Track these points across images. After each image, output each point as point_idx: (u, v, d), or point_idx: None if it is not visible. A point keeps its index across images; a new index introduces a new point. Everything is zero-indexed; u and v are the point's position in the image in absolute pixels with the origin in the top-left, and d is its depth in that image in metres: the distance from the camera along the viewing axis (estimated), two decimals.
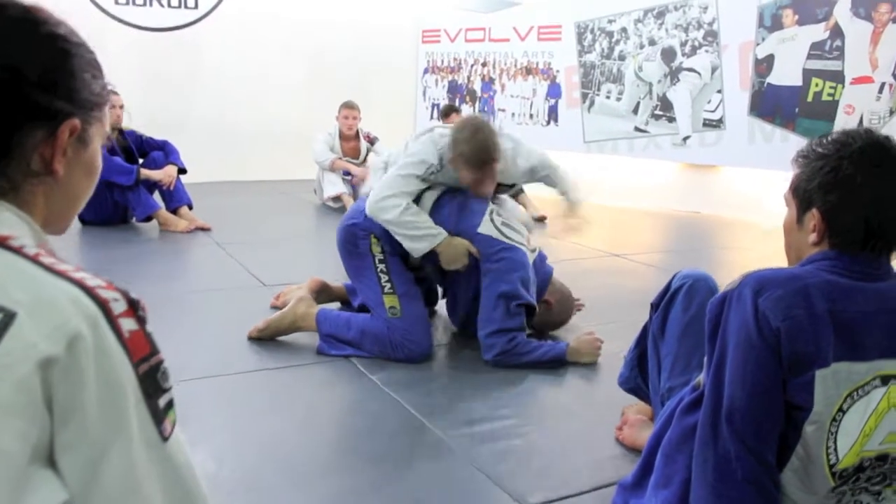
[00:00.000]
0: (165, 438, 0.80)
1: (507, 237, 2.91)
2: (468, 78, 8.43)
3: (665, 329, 2.01)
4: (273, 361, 2.85)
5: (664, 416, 1.73)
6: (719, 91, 6.69)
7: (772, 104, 6.40)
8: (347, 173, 6.47)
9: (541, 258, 3.10)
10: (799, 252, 1.53)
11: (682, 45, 6.87)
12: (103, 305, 0.76)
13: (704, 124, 6.82)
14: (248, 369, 2.78)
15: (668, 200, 7.10)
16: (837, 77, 6.02)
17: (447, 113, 6.93)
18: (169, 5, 7.66)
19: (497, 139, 2.94)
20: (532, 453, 2.21)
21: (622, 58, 7.24)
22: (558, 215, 3.42)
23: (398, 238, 2.89)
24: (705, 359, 1.52)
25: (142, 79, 7.38)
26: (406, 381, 2.68)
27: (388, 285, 2.91)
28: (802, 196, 1.49)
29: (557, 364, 2.87)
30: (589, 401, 2.66)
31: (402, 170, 2.95)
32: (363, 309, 3.09)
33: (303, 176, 7.37)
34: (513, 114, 8.07)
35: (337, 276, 3.51)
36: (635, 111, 7.20)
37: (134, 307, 0.79)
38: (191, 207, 5.46)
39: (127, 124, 5.44)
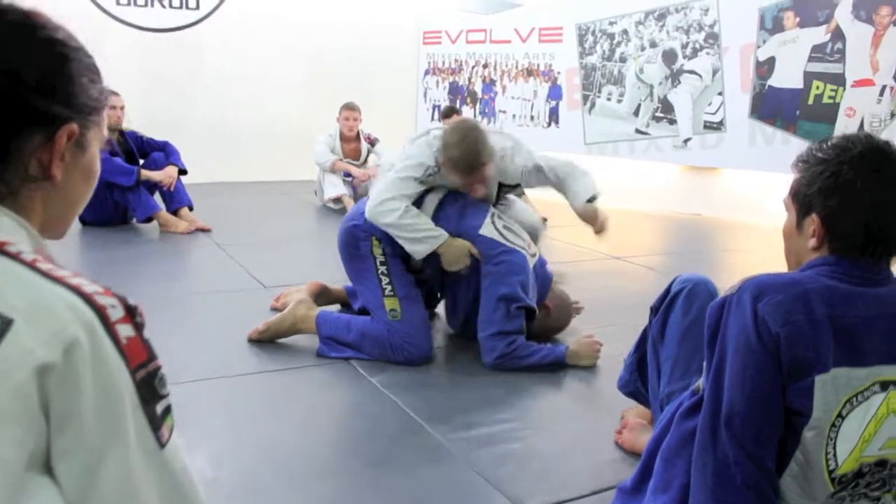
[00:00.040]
0: (163, 444, 0.80)
1: (508, 240, 2.91)
2: (469, 79, 8.43)
3: (665, 333, 2.01)
4: (273, 364, 2.85)
5: (663, 420, 1.73)
6: (720, 93, 6.69)
7: (773, 106, 6.39)
8: (348, 174, 6.47)
9: (541, 263, 3.10)
10: (799, 257, 1.53)
11: (683, 47, 6.87)
12: (100, 312, 0.76)
13: (705, 126, 6.82)
14: (247, 371, 2.78)
15: (669, 202, 7.09)
16: (838, 80, 6.02)
17: (448, 114, 6.93)
18: (170, 6, 7.67)
19: (487, 142, 2.92)
20: (531, 457, 2.21)
21: (623, 60, 7.24)
22: (580, 224, 3.31)
23: (399, 241, 2.89)
24: (704, 363, 1.52)
25: (143, 79, 7.39)
26: (406, 384, 2.68)
27: (389, 288, 2.90)
28: (802, 201, 1.49)
29: (557, 367, 2.87)
30: (588, 404, 2.65)
31: (399, 173, 2.95)
32: (363, 312, 3.09)
33: (303, 177, 7.37)
34: (514, 115, 8.07)
35: (337, 278, 3.51)
36: (636, 113, 7.20)
37: (131, 313, 0.79)
38: (191, 208, 5.46)
39: (127, 125, 5.45)
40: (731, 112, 6.64)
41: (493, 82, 8.23)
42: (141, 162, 5.43)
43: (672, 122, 6.99)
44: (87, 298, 0.76)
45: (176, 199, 5.40)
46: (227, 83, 7.86)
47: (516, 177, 3.12)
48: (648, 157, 7.19)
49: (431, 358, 2.91)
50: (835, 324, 1.38)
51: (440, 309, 3.40)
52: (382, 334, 2.85)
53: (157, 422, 0.80)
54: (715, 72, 6.70)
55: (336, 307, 3.47)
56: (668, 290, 2.05)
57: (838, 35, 5.98)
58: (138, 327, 0.80)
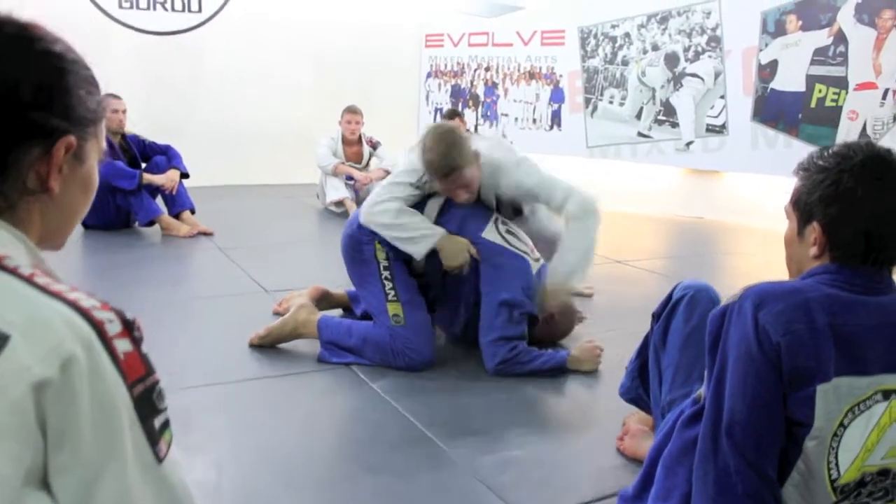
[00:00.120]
0: (161, 459, 0.80)
1: (511, 245, 2.91)
2: (471, 82, 8.43)
3: (666, 340, 2.01)
4: (274, 369, 2.85)
5: (665, 428, 1.73)
6: (722, 96, 6.68)
7: (775, 110, 6.38)
8: (350, 178, 6.47)
9: (544, 269, 3.09)
10: (800, 265, 1.53)
11: (686, 50, 6.86)
12: (98, 327, 0.76)
13: (707, 129, 6.81)
14: (248, 377, 2.78)
15: (671, 206, 7.09)
16: (841, 83, 6.01)
17: (450, 117, 6.92)
18: (172, 9, 7.68)
19: (464, 145, 2.84)
20: (533, 463, 2.21)
21: (625, 63, 7.23)
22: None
23: (396, 243, 2.89)
24: (706, 372, 1.51)
25: (145, 83, 7.40)
26: (407, 390, 2.68)
27: (392, 293, 2.90)
28: (803, 209, 1.48)
29: (558, 372, 2.86)
30: (590, 410, 2.65)
31: (394, 178, 2.99)
32: (366, 316, 3.09)
33: (305, 180, 7.38)
34: (516, 118, 8.06)
35: (339, 282, 3.51)
36: (638, 116, 7.19)
37: (129, 328, 0.79)
38: (193, 212, 5.46)
39: (130, 129, 5.45)
40: (733, 115, 6.63)
41: (495, 85, 8.23)
42: (143, 165, 5.43)
43: (674, 125, 6.99)
44: (85, 313, 0.76)
45: (178, 203, 5.41)
46: (229, 86, 7.87)
47: (508, 188, 3.01)
48: (650, 161, 7.19)
49: (433, 364, 2.90)
50: (836, 332, 1.37)
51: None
52: (384, 339, 2.84)
53: (155, 436, 0.80)
54: (717, 75, 6.70)
55: (338, 312, 3.47)
56: (669, 297, 2.05)
57: (841, 38, 5.97)
58: (136, 342, 0.79)
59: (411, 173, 2.93)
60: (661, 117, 7.06)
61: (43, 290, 0.76)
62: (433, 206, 2.96)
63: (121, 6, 7.45)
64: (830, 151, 1.47)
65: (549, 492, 2.07)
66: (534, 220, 3.36)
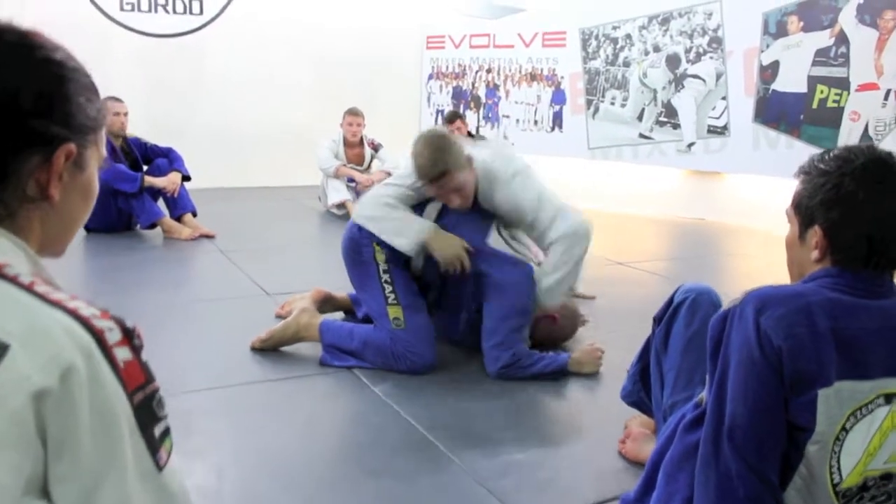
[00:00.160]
0: (161, 467, 0.80)
1: (516, 251, 2.90)
2: (473, 84, 8.43)
3: (668, 343, 2.01)
4: (275, 372, 2.85)
5: (667, 432, 1.73)
6: (724, 98, 6.68)
7: (777, 111, 6.38)
8: (351, 180, 6.47)
9: None
10: (801, 268, 1.52)
11: (687, 51, 6.86)
12: (98, 336, 0.76)
13: (709, 131, 6.80)
14: (250, 380, 2.78)
15: (673, 207, 7.08)
16: (843, 84, 6.00)
17: (451, 119, 6.93)
18: (174, 11, 7.69)
19: (453, 150, 2.81)
20: (534, 467, 2.20)
21: (627, 64, 7.23)
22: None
23: (383, 236, 2.87)
24: (707, 376, 1.51)
25: (146, 85, 7.41)
26: (408, 394, 2.68)
27: (393, 296, 2.90)
28: (804, 212, 1.48)
29: (560, 375, 2.86)
30: (592, 414, 2.65)
31: (390, 180, 3.03)
32: (368, 319, 3.08)
33: (307, 182, 7.38)
34: (517, 120, 8.06)
35: (341, 285, 3.51)
36: (640, 118, 7.18)
37: (129, 336, 0.79)
38: (195, 215, 5.46)
39: (132, 132, 5.46)
40: (734, 116, 6.63)
41: (496, 87, 8.23)
42: (144, 168, 5.44)
43: (676, 126, 6.98)
44: (85, 322, 0.76)
45: (179, 206, 5.41)
46: (231, 88, 7.88)
47: (503, 204, 2.94)
48: (652, 162, 7.18)
49: (434, 367, 2.90)
50: (838, 336, 1.37)
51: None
52: (385, 343, 2.84)
53: (155, 444, 0.80)
54: (718, 76, 6.69)
55: (340, 315, 3.47)
56: (671, 300, 2.05)
57: (842, 39, 5.96)
58: (136, 350, 0.79)
59: (406, 177, 2.93)
60: (662, 119, 7.06)
61: (43, 298, 0.76)
62: (432, 210, 2.95)
63: (122, 8, 7.46)
64: (831, 155, 1.47)
65: (551, 495, 2.06)
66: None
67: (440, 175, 2.79)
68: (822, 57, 6.09)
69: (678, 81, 6.93)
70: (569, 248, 2.85)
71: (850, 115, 5.98)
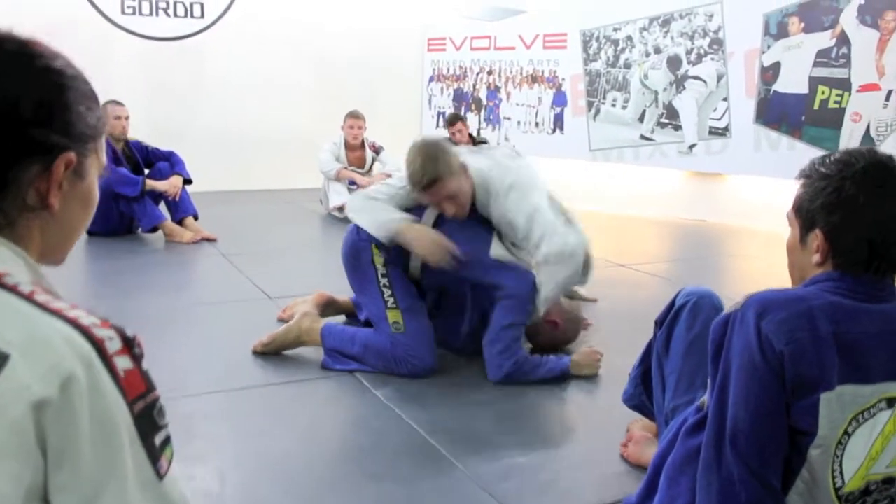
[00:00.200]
0: (161, 476, 0.80)
1: (518, 258, 2.90)
2: (474, 86, 8.44)
3: (669, 347, 2.00)
4: (277, 376, 2.85)
5: (668, 435, 1.73)
6: (725, 99, 6.68)
7: (778, 112, 6.38)
8: (353, 183, 6.47)
9: None
10: (802, 272, 1.52)
11: (688, 53, 6.86)
12: (98, 345, 0.75)
13: (710, 132, 6.81)
14: (251, 384, 2.78)
15: (674, 208, 7.08)
16: (844, 85, 6.00)
17: (452, 121, 6.94)
18: (175, 15, 7.70)
19: (444, 158, 2.77)
20: (536, 470, 2.20)
21: (628, 66, 7.23)
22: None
23: (364, 226, 2.89)
24: (708, 380, 1.51)
25: (147, 88, 7.42)
26: (410, 397, 2.67)
27: (392, 300, 2.90)
28: (805, 216, 1.48)
29: (561, 378, 2.86)
30: (593, 417, 2.64)
31: (387, 181, 3.07)
32: (370, 323, 3.08)
33: (308, 185, 7.38)
34: (518, 122, 8.07)
35: (342, 288, 3.50)
36: (641, 119, 7.19)
37: (129, 345, 0.79)
38: (196, 218, 5.47)
39: (133, 135, 5.46)
40: (736, 118, 6.63)
41: (497, 89, 8.23)
42: (146, 172, 5.44)
43: (677, 127, 6.98)
44: (85, 331, 0.76)
45: (181, 209, 5.42)
46: (232, 91, 7.88)
47: (497, 217, 2.92)
48: (653, 163, 7.18)
49: (435, 370, 2.89)
50: (839, 341, 1.37)
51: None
52: (386, 347, 2.84)
53: (155, 453, 0.79)
54: (720, 77, 6.70)
55: (342, 318, 3.47)
56: (672, 304, 2.04)
57: (843, 40, 5.96)
58: (136, 359, 0.79)
59: (401, 180, 2.94)
60: (663, 120, 7.06)
61: (43, 307, 0.76)
62: (429, 217, 2.93)
63: (123, 12, 7.47)
64: (832, 158, 1.47)
65: (553, 499, 2.06)
66: None
67: (431, 182, 2.77)
68: (823, 58, 6.09)
69: (679, 83, 6.94)
70: (552, 272, 2.82)
71: (852, 115, 5.99)
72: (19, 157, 0.82)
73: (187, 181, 5.48)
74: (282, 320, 3.41)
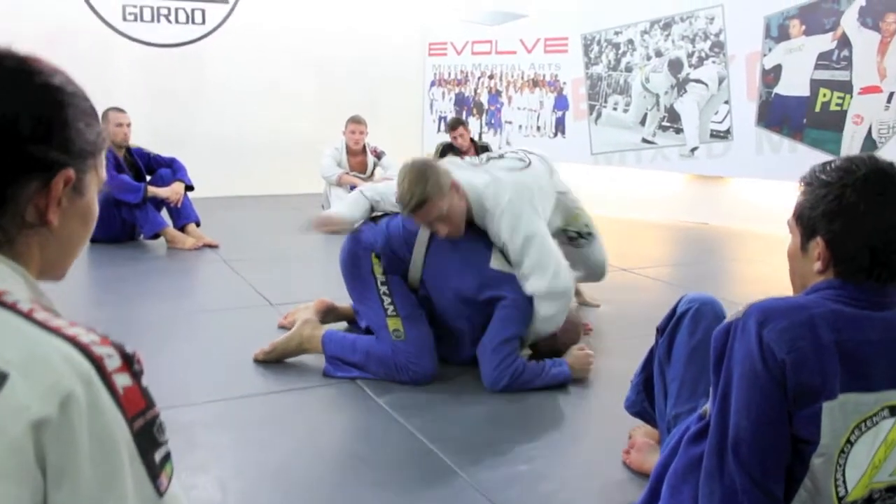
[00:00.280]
0: (161, 493, 0.79)
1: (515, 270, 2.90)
2: (475, 90, 8.44)
3: (671, 354, 2.00)
4: (279, 384, 2.85)
5: (671, 443, 1.72)
6: (727, 102, 6.68)
7: (779, 114, 6.38)
8: (354, 188, 6.46)
9: None
10: (804, 279, 1.52)
11: (689, 56, 6.86)
12: (97, 362, 0.75)
13: (712, 135, 6.80)
14: (253, 392, 2.78)
15: (676, 212, 7.08)
16: (845, 87, 6.00)
17: (454, 126, 6.94)
18: (176, 21, 7.71)
19: (431, 179, 2.72)
20: (539, 478, 2.20)
21: (629, 69, 7.23)
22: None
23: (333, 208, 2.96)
24: (710, 388, 1.51)
25: (148, 94, 7.44)
26: (412, 405, 2.67)
27: (392, 308, 2.89)
28: (806, 223, 1.47)
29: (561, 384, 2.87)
30: (595, 424, 2.64)
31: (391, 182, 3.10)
32: (371, 330, 3.08)
33: (310, 190, 7.38)
34: (520, 126, 8.07)
35: (344, 295, 3.50)
36: (642, 122, 7.19)
37: (129, 362, 0.79)
38: (198, 224, 5.47)
39: (134, 142, 5.47)
40: (737, 120, 6.63)
41: (498, 93, 8.24)
42: (148, 178, 5.45)
43: (678, 131, 6.98)
44: (84, 349, 0.76)
45: (183, 215, 5.42)
46: (233, 97, 7.89)
47: (492, 237, 2.91)
48: (655, 167, 7.18)
49: (436, 377, 2.88)
50: (841, 349, 1.37)
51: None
52: (387, 354, 2.84)
53: (155, 470, 0.79)
54: (721, 80, 6.69)
55: (343, 325, 3.46)
56: (674, 310, 2.04)
57: (845, 42, 5.96)
58: (136, 375, 0.79)
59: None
60: (665, 123, 7.06)
61: (42, 326, 0.76)
62: (423, 234, 2.92)
63: (125, 18, 7.48)
64: (833, 165, 1.47)
65: None
66: (587, 248, 3.49)
67: (419, 204, 2.72)
68: (824, 60, 6.09)
69: (680, 86, 6.93)
70: (540, 306, 2.84)
71: (853, 118, 5.98)
72: (18, 174, 0.82)
73: (189, 188, 5.49)
74: (283, 327, 3.41)
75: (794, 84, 6.27)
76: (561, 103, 7.74)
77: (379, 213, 3.12)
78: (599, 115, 7.46)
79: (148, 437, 0.79)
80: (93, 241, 5.12)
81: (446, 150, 6.94)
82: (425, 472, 2.22)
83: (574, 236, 3.52)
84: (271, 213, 7.03)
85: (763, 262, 5.27)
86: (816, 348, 1.35)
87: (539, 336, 2.94)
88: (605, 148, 7.44)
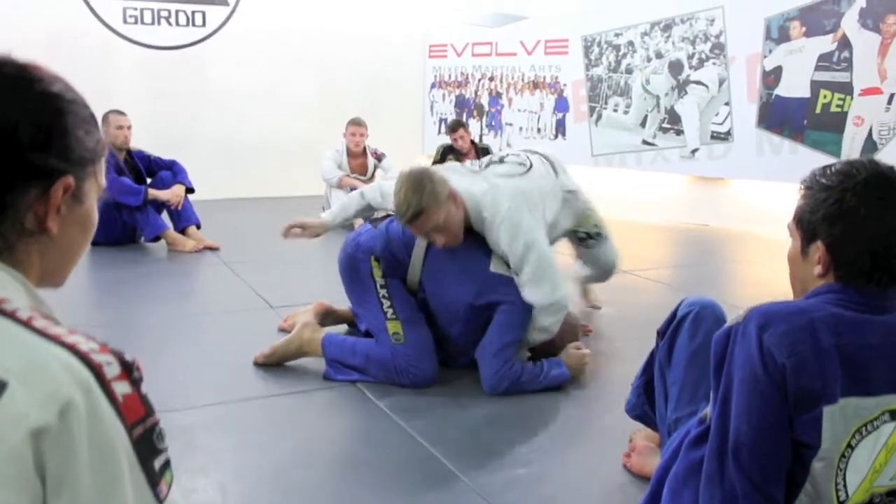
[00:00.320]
0: (161, 501, 0.79)
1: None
2: (475, 92, 8.44)
3: (671, 357, 2.00)
4: (279, 387, 2.85)
5: (671, 447, 1.72)
6: (727, 103, 6.68)
7: (780, 116, 6.38)
8: (355, 190, 6.46)
9: None
10: (804, 284, 1.52)
11: (690, 57, 6.86)
12: (96, 370, 0.75)
13: (712, 137, 6.80)
14: (253, 395, 2.78)
15: (677, 213, 7.07)
16: (846, 88, 6.00)
17: (454, 128, 6.94)
18: (177, 24, 7.71)
19: (427, 188, 2.69)
20: (539, 481, 2.20)
21: (629, 71, 7.23)
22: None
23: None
24: (711, 392, 1.51)
25: (149, 97, 7.44)
26: (413, 408, 2.67)
27: (391, 311, 2.89)
28: (806, 228, 1.48)
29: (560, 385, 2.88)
30: (596, 426, 2.64)
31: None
32: (370, 333, 3.08)
33: (310, 192, 7.38)
34: (520, 128, 8.07)
35: (344, 297, 3.50)
36: (643, 124, 7.19)
37: (128, 370, 0.79)
38: (199, 227, 5.47)
39: (134, 144, 5.47)
40: (738, 122, 6.62)
41: (499, 95, 8.24)
42: (148, 181, 5.45)
43: (679, 132, 6.98)
44: (83, 357, 0.76)
45: (184, 218, 5.42)
46: (234, 99, 7.89)
47: (491, 244, 2.90)
48: (656, 168, 7.18)
49: (436, 379, 2.88)
50: (842, 353, 1.37)
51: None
52: (387, 357, 2.84)
53: (155, 478, 0.79)
54: (721, 82, 6.69)
55: (343, 327, 3.46)
56: (674, 314, 2.04)
57: (845, 44, 5.96)
58: (135, 383, 0.79)
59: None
60: (665, 125, 7.06)
61: (41, 333, 0.76)
62: (421, 241, 2.92)
63: (125, 21, 7.49)
64: (833, 169, 1.47)
65: None
66: (597, 248, 3.53)
67: (416, 215, 2.70)
68: (824, 62, 6.08)
69: (681, 88, 6.93)
70: (537, 319, 2.85)
71: (854, 119, 5.98)
72: (17, 181, 0.82)
73: (189, 190, 5.48)
74: (283, 330, 3.41)
75: (794, 85, 6.27)
76: (561, 105, 7.74)
77: (379, 216, 3.12)
78: (600, 116, 7.46)
79: (147, 444, 0.79)
80: (93, 243, 5.13)
81: (447, 151, 6.94)
82: (426, 475, 2.22)
83: (584, 237, 3.51)
84: (272, 215, 7.01)
85: (763, 264, 5.26)
86: (817, 352, 1.35)
87: (533, 343, 2.94)
88: (606, 150, 7.44)
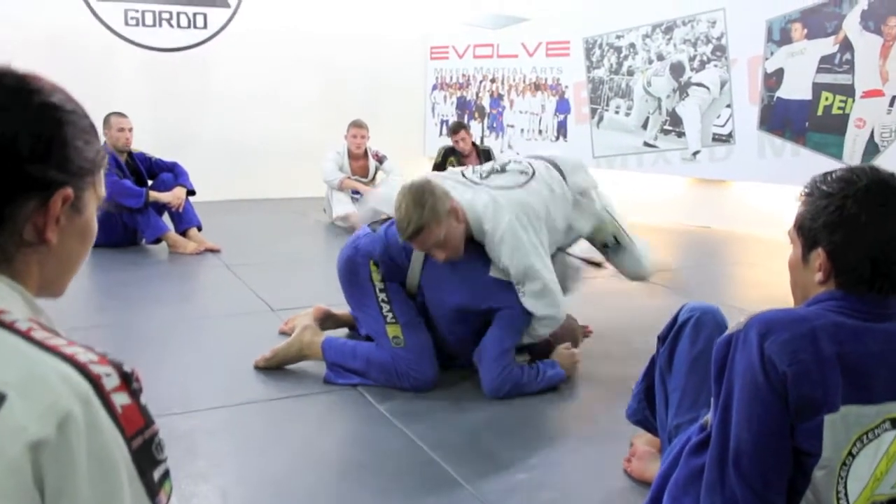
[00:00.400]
0: None
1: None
2: (477, 94, 8.44)
3: (672, 363, 2.00)
4: (279, 391, 2.85)
5: (672, 453, 1.72)
6: (728, 105, 6.67)
7: (781, 118, 6.37)
8: (356, 192, 6.47)
9: None
10: (805, 291, 1.51)
11: (691, 59, 6.86)
12: (95, 382, 0.75)
13: (714, 139, 6.80)
14: (254, 399, 2.77)
15: (678, 215, 7.07)
16: (847, 90, 5.99)
17: (456, 130, 6.94)
18: (178, 26, 7.71)
19: (428, 203, 2.66)
20: (539, 487, 2.19)
21: (631, 73, 7.23)
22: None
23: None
24: (712, 399, 1.50)
25: (150, 98, 7.44)
26: (413, 412, 2.67)
27: (391, 315, 2.89)
28: (807, 235, 1.47)
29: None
30: (596, 431, 2.63)
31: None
32: (371, 337, 3.08)
33: (312, 194, 7.38)
34: (522, 130, 8.07)
35: (344, 301, 3.50)
36: (644, 126, 7.18)
37: (127, 381, 0.78)
38: (200, 229, 5.47)
39: (136, 146, 5.47)
40: (739, 124, 6.62)
41: (500, 97, 8.24)
42: (149, 183, 5.45)
43: (680, 134, 6.98)
44: (82, 368, 0.75)
45: (185, 220, 5.42)
46: (235, 101, 7.89)
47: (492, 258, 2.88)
48: (657, 171, 7.18)
49: (436, 383, 2.88)
50: (843, 361, 1.36)
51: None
52: (387, 361, 2.83)
53: (154, 488, 0.79)
54: (723, 84, 6.69)
55: (344, 331, 3.46)
56: (675, 319, 2.04)
57: (847, 46, 5.95)
58: (134, 394, 0.79)
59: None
60: (667, 127, 7.05)
61: (40, 345, 0.76)
62: (418, 253, 2.91)
63: (127, 23, 7.49)
64: (834, 176, 1.46)
65: None
66: (617, 256, 3.49)
67: (416, 231, 2.67)
68: (826, 64, 6.08)
69: (682, 90, 6.93)
70: (533, 327, 2.89)
71: (856, 121, 5.97)
72: (16, 193, 0.82)
73: (191, 192, 5.49)
74: (283, 333, 3.41)
75: (796, 88, 6.26)
76: (563, 107, 7.74)
77: (378, 220, 3.12)
78: (601, 118, 7.46)
79: (147, 455, 0.79)
80: (94, 246, 5.08)
81: (448, 153, 6.94)
82: (426, 479, 2.22)
83: (600, 246, 3.50)
84: (273, 217, 7.03)
85: (765, 267, 5.26)
86: (818, 361, 1.34)
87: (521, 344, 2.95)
88: (607, 151, 7.44)
